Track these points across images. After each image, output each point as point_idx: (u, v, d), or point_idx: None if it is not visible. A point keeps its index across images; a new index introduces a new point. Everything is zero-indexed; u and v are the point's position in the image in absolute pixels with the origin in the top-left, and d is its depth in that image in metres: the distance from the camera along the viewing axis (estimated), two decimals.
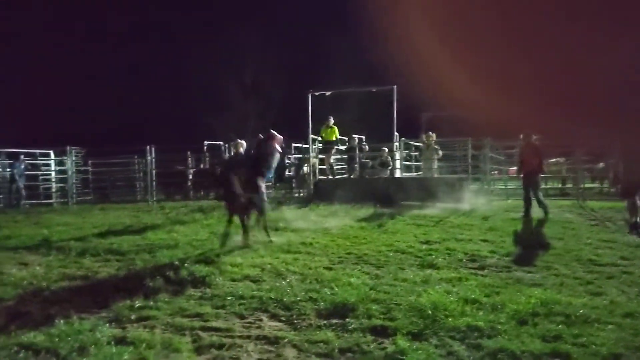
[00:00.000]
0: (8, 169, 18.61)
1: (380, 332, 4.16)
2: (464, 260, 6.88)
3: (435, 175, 16.04)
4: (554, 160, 18.14)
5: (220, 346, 3.93)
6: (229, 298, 5.17)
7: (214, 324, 4.48)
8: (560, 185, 19.45)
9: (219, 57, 33.77)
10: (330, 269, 6.47)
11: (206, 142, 20.91)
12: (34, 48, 33.34)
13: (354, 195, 14.50)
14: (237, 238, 8.20)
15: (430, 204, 13.51)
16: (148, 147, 18.66)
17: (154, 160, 19.01)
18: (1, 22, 31.28)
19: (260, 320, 4.60)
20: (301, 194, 18.24)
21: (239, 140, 11.91)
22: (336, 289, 5.28)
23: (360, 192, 14.89)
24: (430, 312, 4.42)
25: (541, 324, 4.21)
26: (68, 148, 19.26)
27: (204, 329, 4.34)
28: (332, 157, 18.28)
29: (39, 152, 20.56)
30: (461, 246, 7.76)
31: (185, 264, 6.60)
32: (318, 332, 4.18)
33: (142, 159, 19.86)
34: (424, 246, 7.81)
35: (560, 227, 9.64)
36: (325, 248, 7.87)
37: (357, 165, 17.98)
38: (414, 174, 17.64)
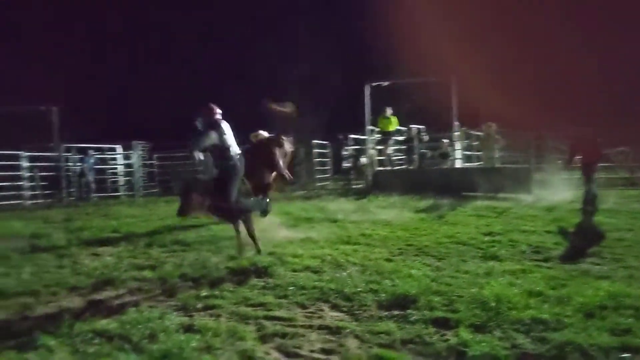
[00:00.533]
0: (78, 164, 19.44)
1: (442, 324, 4.14)
2: (528, 252, 6.73)
3: (497, 165, 15.69)
4: (619, 149, 17.39)
5: (284, 335, 4.01)
6: (291, 288, 5.26)
7: (277, 313, 4.57)
8: (628, 175, 18.61)
9: (277, 50, 34.02)
10: (390, 260, 6.47)
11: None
12: (100, 44, 34.51)
13: (413, 186, 14.37)
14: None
15: (492, 195, 13.24)
16: None
17: None
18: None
19: (322, 310, 4.66)
20: (360, 186, 18.22)
21: (261, 132, 10.32)
22: (397, 281, 5.28)
23: (420, 183, 14.72)
24: (493, 304, 4.35)
25: (609, 317, 4.08)
26: (134, 143, 19.97)
27: (268, 318, 4.44)
28: (390, 148, 18.16)
29: (107, 147, 21.39)
30: (525, 238, 7.59)
31: (248, 255, 6.75)
32: (379, 323, 4.20)
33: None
34: (486, 238, 7.68)
35: (629, 218, 9.26)
36: (385, 240, 7.87)
37: (416, 156, 17.79)
38: (474, 164, 17.31)
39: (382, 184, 15.74)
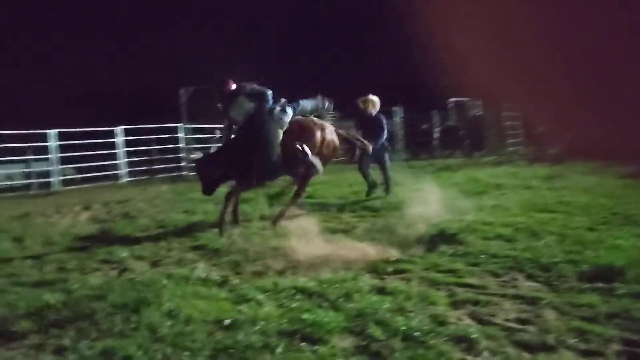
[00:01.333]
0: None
1: None
2: None
3: None
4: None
5: (476, 302, 3.96)
6: (482, 256, 5.15)
7: (468, 280, 4.51)
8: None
9: None
10: (592, 230, 5.98)
11: (451, 100, 20.72)
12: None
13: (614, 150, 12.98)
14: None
15: None
16: (395, 108, 19.21)
17: (401, 120, 19.56)
18: None
19: (516, 279, 4.50)
20: (555, 151, 16.99)
21: (371, 97, 9.88)
22: (600, 252, 4.88)
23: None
24: None
25: None
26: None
27: (459, 284, 4.41)
28: None
29: None
30: None
31: (434, 222, 6.73)
32: (580, 296, 3.94)
33: (389, 119, 20.57)
34: None
35: None
36: (586, 208, 7.28)
37: None
38: None
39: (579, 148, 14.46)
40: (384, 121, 9.88)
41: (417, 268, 4.95)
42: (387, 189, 9.68)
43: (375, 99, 9.79)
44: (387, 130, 9.94)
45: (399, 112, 19.30)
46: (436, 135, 20.53)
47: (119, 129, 16.50)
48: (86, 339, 3.61)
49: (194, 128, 18.42)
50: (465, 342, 3.27)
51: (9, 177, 18.57)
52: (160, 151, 18.05)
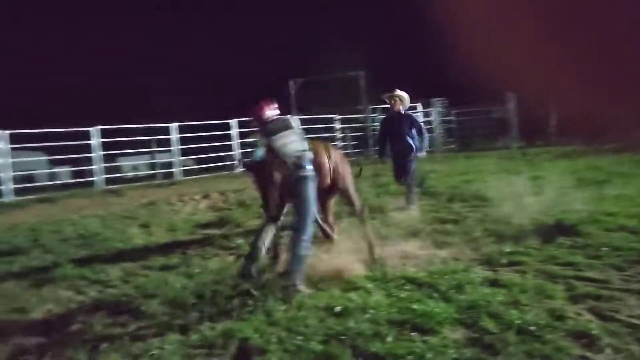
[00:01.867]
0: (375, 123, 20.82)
1: None
2: None
3: None
4: None
5: (597, 297, 3.78)
6: (604, 249, 4.89)
7: (588, 274, 4.31)
8: None
9: None
10: None
11: None
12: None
13: None
14: None
15: None
16: (509, 94, 18.55)
17: (514, 107, 18.86)
18: None
19: None
20: None
21: (398, 92, 8.40)
22: None
23: None
24: None
25: None
26: (433, 100, 20.49)
27: (578, 278, 4.22)
28: None
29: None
30: None
31: (551, 213, 6.44)
32: None
33: (502, 107, 19.83)
34: None
35: None
36: None
37: None
38: None
39: None
40: (417, 120, 8.60)
41: (533, 260, 4.80)
42: (409, 200, 8.02)
43: (403, 94, 8.42)
44: (421, 130, 8.42)
45: (512, 98, 18.60)
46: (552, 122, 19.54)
47: (233, 121, 17.22)
48: (207, 320, 3.88)
49: (301, 119, 18.93)
50: (585, 337, 3.15)
51: (136, 168, 20.10)
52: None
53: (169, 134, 16.13)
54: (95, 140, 14.23)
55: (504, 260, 4.85)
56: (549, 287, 4.04)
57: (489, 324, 3.40)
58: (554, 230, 5.70)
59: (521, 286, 4.07)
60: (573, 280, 4.18)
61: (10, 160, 12.71)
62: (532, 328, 3.27)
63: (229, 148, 17.42)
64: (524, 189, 8.03)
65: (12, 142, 12.71)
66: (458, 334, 3.40)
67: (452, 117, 22.14)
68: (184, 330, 3.79)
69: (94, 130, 14.20)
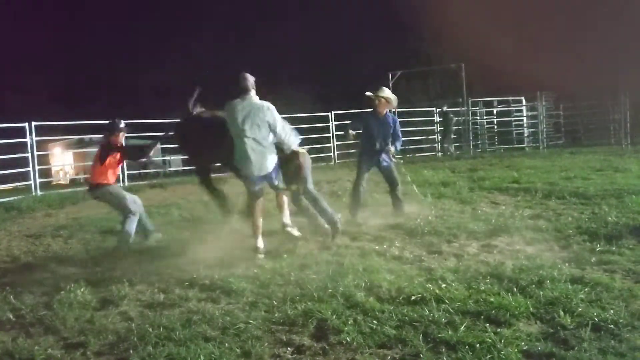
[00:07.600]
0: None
1: None
2: None
3: None
4: None
5: None
6: None
7: None
8: None
9: None
10: None
11: None
12: None
13: None
14: None
15: None
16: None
17: (627, 103, 17.81)
18: None
19: None
20: None
21: (385, 92, 7.29)
22: None
23: None
24: None
25: None
26: (539, 93, 19.67)
27: None
28: None
29: (512, 99, 21.65)
30: None
31: None
32: None
33: (615, 103, 18.67)
34: None
35: None
36: None
37: None
38: None
39: None
40: (398, 125, 7.51)
41: (625, 260, 4.60)
42: (397, 209, 7.40)
43: (390, 95, 7.33)
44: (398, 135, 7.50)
45: (627, 96, 17.63)
46: None
47: (331, 114, 17.53)
48: (290, 301, 4.10)
49: (400, 111, 18.90)
50: None
51: None
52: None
53: None
54: None
55: (594, 259, 4.67)
56: (636, 289, 3.87)
57: (566, 320, 3.35)
58: None
59: (607, 285, 3.92)
60: None
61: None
62: (611, 326, 3.19)
63: (327, 140, 17.80)
64: (627, 187, 7.62)
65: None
66: (533, 327, 3.37)
67: (560, 112, 21.16)
68: (268, 310, 4.02)
69: None
